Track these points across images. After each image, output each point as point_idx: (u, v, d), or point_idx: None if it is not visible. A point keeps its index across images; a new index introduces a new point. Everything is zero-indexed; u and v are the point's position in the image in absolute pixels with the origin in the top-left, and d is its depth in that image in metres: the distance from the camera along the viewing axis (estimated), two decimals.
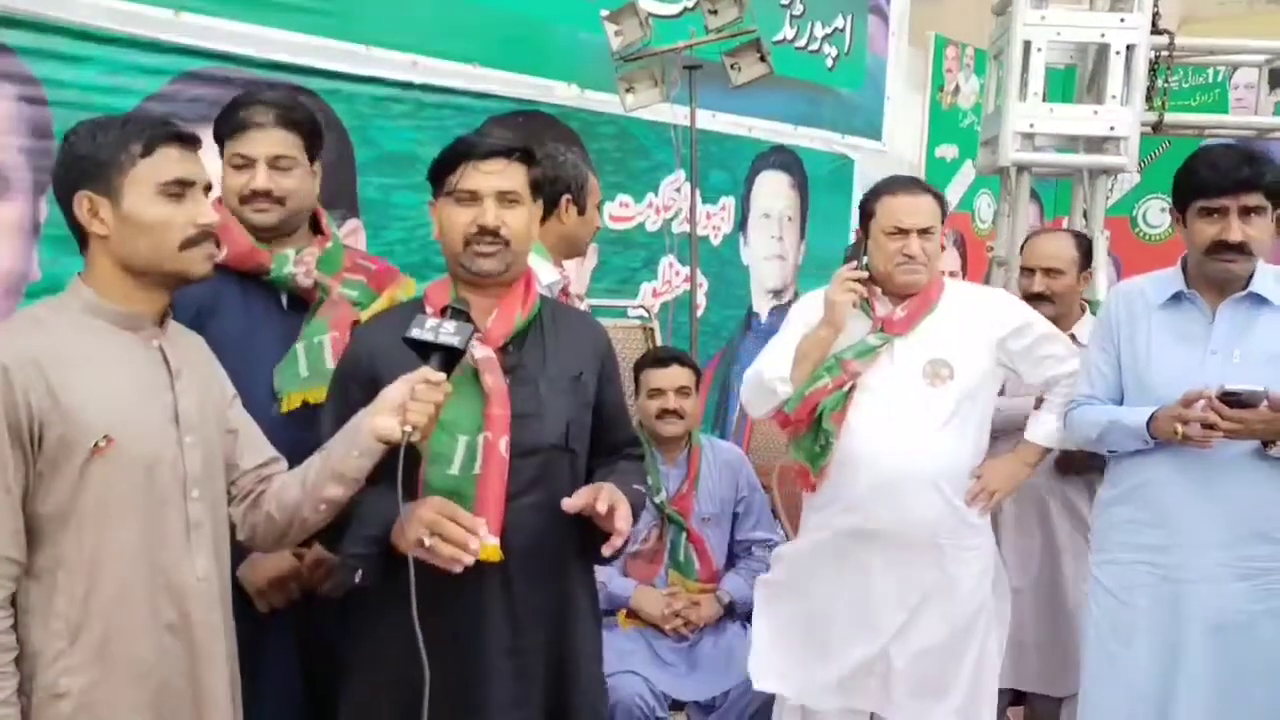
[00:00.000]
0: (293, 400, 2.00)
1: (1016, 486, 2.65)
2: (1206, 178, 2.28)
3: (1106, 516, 2.50)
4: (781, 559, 2.71)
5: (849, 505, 2.50)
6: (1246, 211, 2.25)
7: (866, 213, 2.56)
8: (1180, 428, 2.22)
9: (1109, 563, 2.46)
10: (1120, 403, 2.45)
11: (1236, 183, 2.23)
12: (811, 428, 2.49)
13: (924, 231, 2.48)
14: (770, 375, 2.53)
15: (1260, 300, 2.32)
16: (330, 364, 2.00)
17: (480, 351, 1.75)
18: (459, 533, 1.65)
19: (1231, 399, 2.17)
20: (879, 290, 2.54)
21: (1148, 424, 2.30)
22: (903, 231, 2.48)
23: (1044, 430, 2.63)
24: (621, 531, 1.78)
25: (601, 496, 1.78)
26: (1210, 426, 2.18)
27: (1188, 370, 2.30)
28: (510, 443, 1.78)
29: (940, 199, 2.56)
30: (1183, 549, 2.33)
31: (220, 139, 2.07)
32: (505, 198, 1.83)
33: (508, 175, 1.84)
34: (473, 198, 1.83)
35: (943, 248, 2.59)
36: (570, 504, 1.79)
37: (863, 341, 2.50)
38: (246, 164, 2.02)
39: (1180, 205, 2.35)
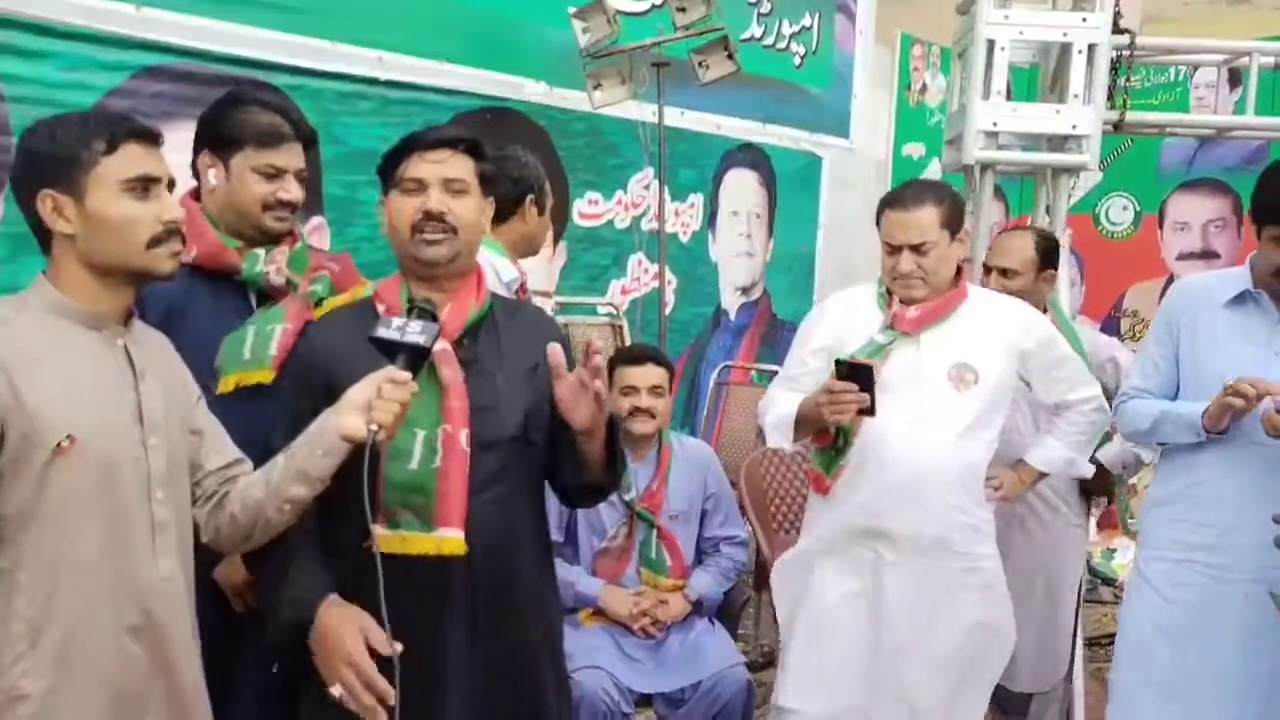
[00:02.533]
0: (228, 383, 1.97)
1: (1016, 499, 2.70)
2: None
3: (1156, 514, 2.51)
4: (785, 565, 2.67)
5: (866, 507, 2.46)
6: None
7: (877, 221, 2.54)
8: (1224, 396, 2.23)
9: (1158, 560, 2.47)
10: (1174, 398, 2.46)
11: None
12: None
13: (916, 247, 2.43)
14: (771, 428, 2.53)
15: None
16: (273, 352, 1.98)
17: (436, 345, 1.74)
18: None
19: None
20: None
21: (1202, 416, 2.31)
22: (895, 249, 2.46)
23: (1045, 456, 2.66)
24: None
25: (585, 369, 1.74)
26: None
27: (1250, 370, 2.29)
28: (471, 436, 1.78)
29: (947, 205, 2.47)
30: (1233, 549, 2.35)
31: (234, 140, 2.04)
32: (451, 186, 1.83)
33: (453, 165, 1.84)
34: (419, 186, 1.83)
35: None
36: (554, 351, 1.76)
37: (872, 340, 2.46)
38: (277, 174, 2.04)
39: (1253, 218, 2.35)
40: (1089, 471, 2.77)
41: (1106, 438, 3.00)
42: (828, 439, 2.48)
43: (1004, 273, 2.98)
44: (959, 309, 2.50)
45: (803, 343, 2.62)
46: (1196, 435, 2.36)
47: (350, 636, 1.67)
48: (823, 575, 2.54)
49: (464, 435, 1.77)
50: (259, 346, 1.99)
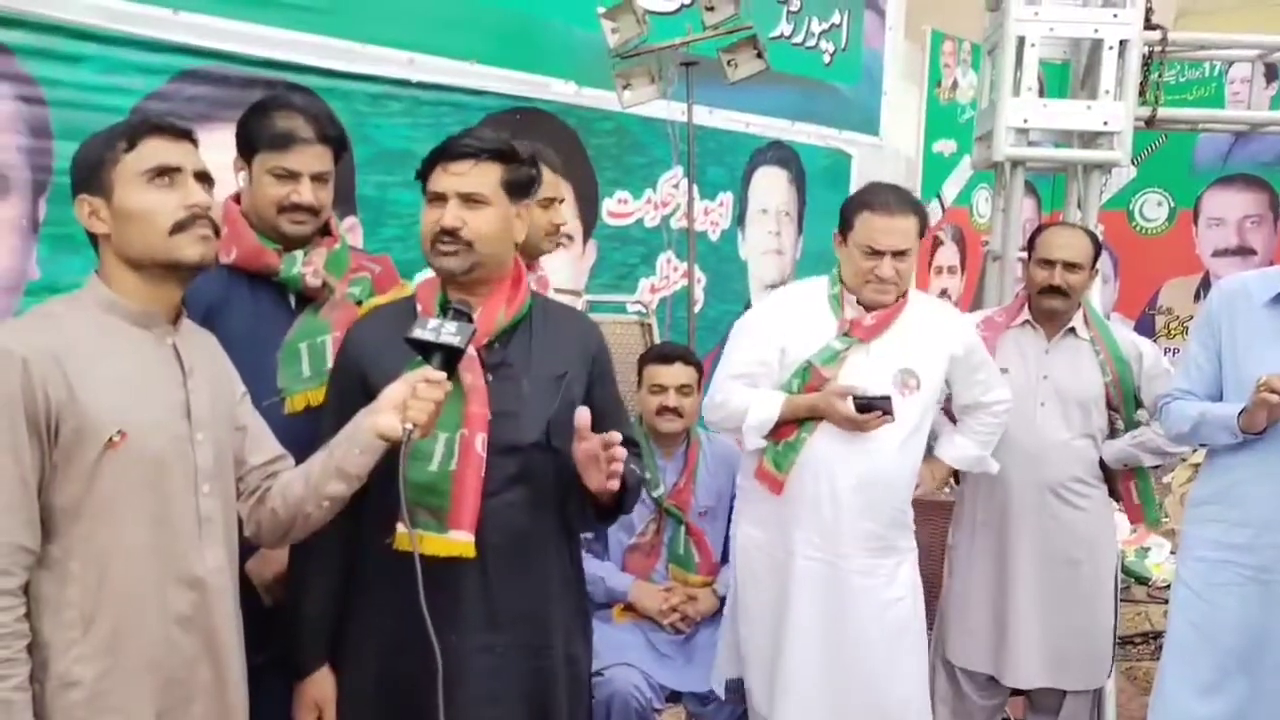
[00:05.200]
0: (296, 403, 2.02)
1: (931, 493, 2.87)
2: None
3: (1196, 514, 2.53)
4: (734, 558, 2.73)
5: (819, 511, 2.53)
6: None
7: (846, 220, 2.57)
8: (1256, 394, 2.24)
9: (1196, 560, 2.49)
10: (1218, 399, 2.47)
11: None
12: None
13: (898, 254, 2.49)
14: (752, 431, 2.55)
15: None
16: (331, 364, 2.01)
17: None
18: None
19: None
20: (854, 298, 2.58)
21: (1238, 417, 2.32)
22: (877, 253, 2.49)
23: (955, 452, 2.81)
24: (614, 473, 1.77)
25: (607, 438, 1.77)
26: None
27: None
28: (489, 440, 1.80)
29: (923, 215, 2.56)
30: (1269, 549, 2.36)
31: (253, 144, 2.06)
32: (469, 199, 1.83)
33: (473, 177, 1.84)
34: (439, 199, 1.85)
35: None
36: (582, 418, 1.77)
37: (828, 347, 2.53)
38: (289, 177, 2.04)
39: None
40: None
41: (1113, 434, 3.03)
42: (790, 432, 2.53)
43: (1069, 266, 2.95)
44: (903, 315, 2.57)
45: (753, 339, 2.64)
46: (1233, 436, 2.36)
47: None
48: (784, 576, 2.58)
49: (480, 440, 1.79)
50: (316, 361, 2.03)
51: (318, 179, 2.07)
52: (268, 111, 2.08)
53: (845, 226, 2.57)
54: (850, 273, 2.56)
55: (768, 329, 2.63)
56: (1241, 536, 2.39)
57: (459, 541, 1.77)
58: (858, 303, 2.56)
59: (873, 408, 2.42)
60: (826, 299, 2.60)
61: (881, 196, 2.55)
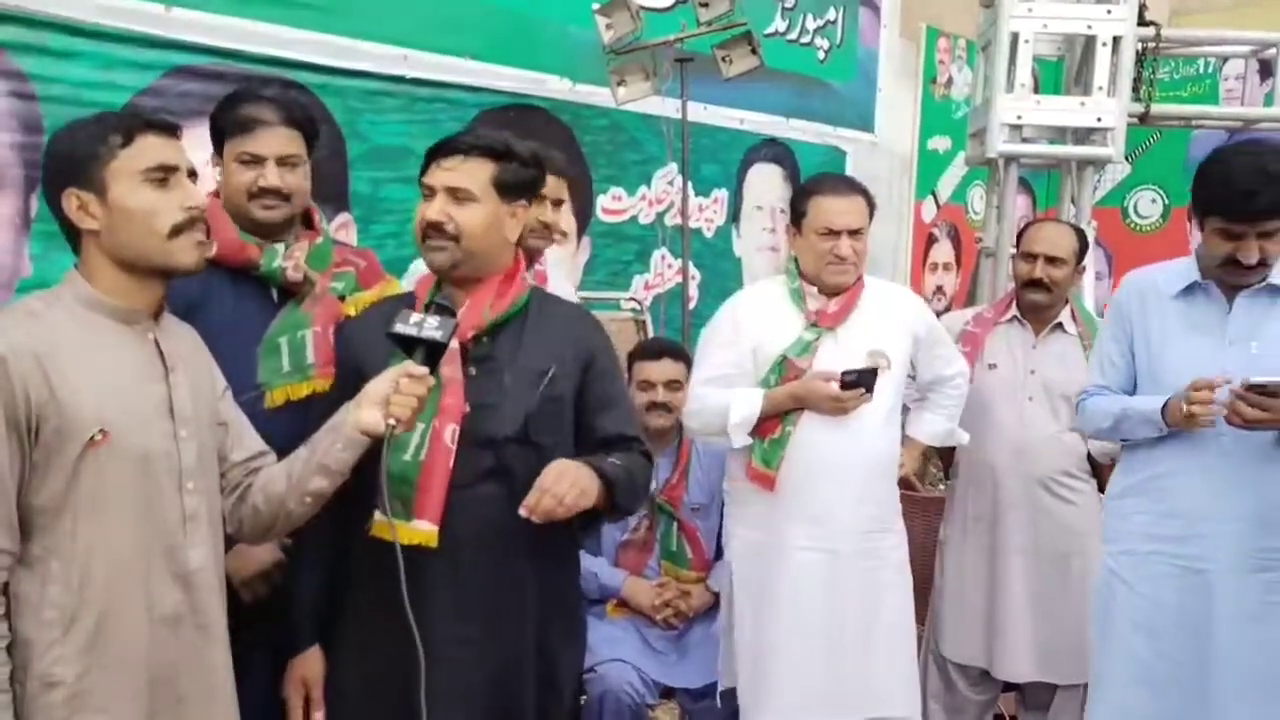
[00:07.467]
0: (276, 397, 2.02)
1: (914, 473, 2.95)
2: (1224, 201, 2.22)
3: (1118, 507, 2.50)
4: (731, 564, 2.73)
5: (815, 497, 2.54)
6: (1265, 234, 2.22)
7: (798, 211, 2.62)
8: (1187, 406, 2.22)
9: (1125, 553, 2.46)
10: (1132, 393, 2.46)
11: (1256, 211, 2.19)
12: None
13: (854, 233, 2.55)
14: (736, 429, 2.55)
15: (1277, 291, 2.31)
16: (311, 359, 2.02)
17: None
18: None
19: (1258, 390, 2.14)
20: (814, 289, 2.61)
21: (1162, 410, 2.31)
22: (833, 233, 2.55)
23: (926, 429, 2.87)
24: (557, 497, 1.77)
25: (547, 496, 1.77)
26: (1248, 421, 2.16)
27: (1204, 360, 2.29)
28: (463, 432, 1.80)
29: (869, 197, 2.63)
30: (1202, 539, 2.33)
31: (221, 135, 2.07)
32: (455, 194, 1.84)
33: (462, 172, 1.85)
34: (430, 193, 1.86)
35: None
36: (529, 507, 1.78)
37: (799, 339, 2.57)
38: (255, 161, 2.04)
39: (1197, 211, 2.33)
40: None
41: None
42: (773, 427, 2.55)
43: (1051, 260, 2.99)
44: (861, 299, 2.62)
45: (722, 343, 2.67)
46: (1157, 429, 2.35)
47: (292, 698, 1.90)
48: (781, 573, 2.58)
49: (450, 431, 1.79)
50: (295, 356, 2.02)
51: (285, 162, 2.06)
52: (235, 102, 2.09)
53: (798, 217, 2.63)
54: (809, 260, 2.60)
55: (736, 331, 2.65)
56: (1171, 528, 2.36)
57: (422, 531, 1.78)
58: (819, 292, 2.61)
59: (860, 382, 2.47)
60: (787, 294, 2.64)
61: (829, 182, 2.67)
